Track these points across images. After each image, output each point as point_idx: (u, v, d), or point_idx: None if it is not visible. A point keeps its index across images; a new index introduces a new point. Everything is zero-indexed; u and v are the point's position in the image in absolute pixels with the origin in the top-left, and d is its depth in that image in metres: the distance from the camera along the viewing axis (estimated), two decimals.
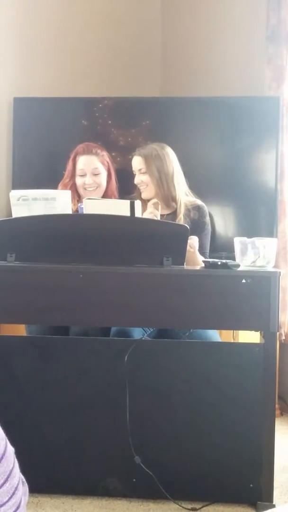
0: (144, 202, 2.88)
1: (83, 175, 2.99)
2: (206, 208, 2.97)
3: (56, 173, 3.11)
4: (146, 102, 3.74)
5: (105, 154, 3.06)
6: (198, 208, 2.94)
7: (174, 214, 2.93)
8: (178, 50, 4.13)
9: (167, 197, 2.93)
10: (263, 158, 3.53)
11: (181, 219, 2.87)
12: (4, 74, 3.71)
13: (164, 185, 2.90)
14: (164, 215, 2.94)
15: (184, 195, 2.95)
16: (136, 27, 4.11)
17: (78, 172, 3.00)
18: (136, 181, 2.97)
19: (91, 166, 2.99)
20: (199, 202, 2.97)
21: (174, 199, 2.93)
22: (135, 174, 2.98)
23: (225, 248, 3.08)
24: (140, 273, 2.34)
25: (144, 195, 2.95)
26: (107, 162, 3.04)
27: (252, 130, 3.55)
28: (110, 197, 2.99)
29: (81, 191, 3.00)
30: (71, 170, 3.03)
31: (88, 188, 2.98)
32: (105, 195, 3.01)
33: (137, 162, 2.96)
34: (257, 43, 3.65)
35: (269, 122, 3.48)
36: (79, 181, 3.00)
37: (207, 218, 2.96)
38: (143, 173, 2.93)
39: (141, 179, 2.94)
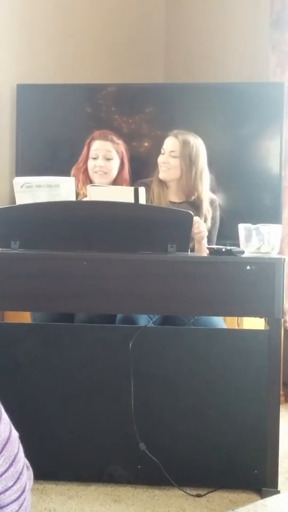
0: (160, 183, 2.89)
1: (95, 158, 2.98)
2: (217, 202, 2.96)
3: (60, 160, 3.10)
4: (150, 89, 3.72)
5: (120, 143, 3.04)
6: (212, 202, 2.93)
7: (187, 203, 2.90)
8: (182, 36, 4.10)
9: (190, 188, 2.90)
10: (267, 144, 3.52)
11: (203, 214, 2.86)
12: (7, 61, 3.68)
13: (192, 175, 2.87)
14: (178, 202, 2.92)
15: (208, 192, 2.93)
16: (139, 13, 4.08)
17: (91, 154, 3.00)
18: (161, 159, 2.93)
19: (104, 149, 2.98)
20: (212, 196, 2.97)
21: (197, 193, 2.89)
22: (163, 153, 2.94)
23: (229, 235, 3.06)
24: (145, 260, 2.33)
25: (162, 176, 2.92)
26: (122, 152, 3.02)
27: (257, 116, 3.53)
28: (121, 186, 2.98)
29: (91, 174, 2.99)
30: (85, 155, 3.03)
31: (98, 171, 2.96)
32: (116, 183, 2.99)
33: (171, 144, 2.92)
34: (262, 28, 3.63)
35: (273, 108, 3.47)
36: (91, 164, 2.99)
37: (218, 213, 2.96)
38: (173, 156, 2.90)
39: (168, 160, 2.90)
